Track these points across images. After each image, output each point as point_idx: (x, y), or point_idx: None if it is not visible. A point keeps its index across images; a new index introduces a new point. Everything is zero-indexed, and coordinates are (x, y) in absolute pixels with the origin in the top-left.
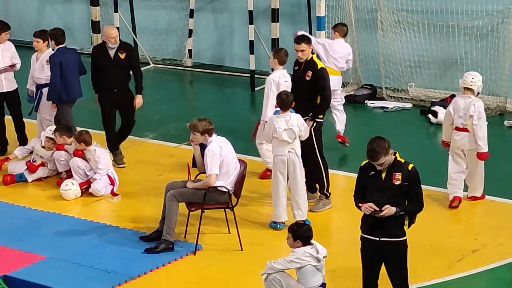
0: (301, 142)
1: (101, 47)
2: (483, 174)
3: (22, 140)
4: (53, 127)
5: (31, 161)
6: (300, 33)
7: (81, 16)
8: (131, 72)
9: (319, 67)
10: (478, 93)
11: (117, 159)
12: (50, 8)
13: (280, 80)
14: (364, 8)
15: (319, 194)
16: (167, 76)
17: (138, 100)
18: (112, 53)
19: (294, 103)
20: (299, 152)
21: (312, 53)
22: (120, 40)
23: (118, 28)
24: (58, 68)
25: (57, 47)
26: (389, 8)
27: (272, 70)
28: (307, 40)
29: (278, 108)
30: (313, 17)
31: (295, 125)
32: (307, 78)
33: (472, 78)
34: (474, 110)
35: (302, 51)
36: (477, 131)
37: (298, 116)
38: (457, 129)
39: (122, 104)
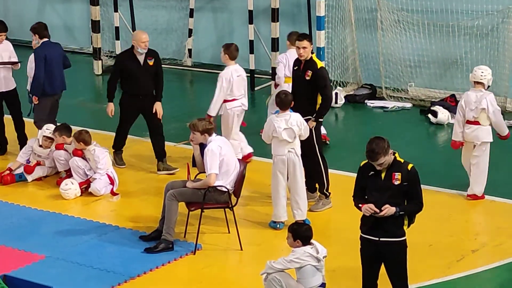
0: (302, 141)
1: (130, 52)
2: (487, 170)
3: (22, 139)
4: (51, 125)
5: (26, 162)
6: None
7: (81, 16)
8: None
9: (318, 66)
10: (489, 86)
11: (118, 159)
12: (50, 8)
13: (232, 76)
14: (364, 8)
15: (318, 193)
16: (167, 75)
17: (159, 108)
18: (141, 59)
19: (293, 102)
20: (299, 151)
21: (312, 52)
22: (149, 48)
23: (117, 27)
24: (42, 61)
25: (42, 41)
26: (389, 8)
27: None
28: (309, 38)
29: (278, 108)
30: (313, 16)
31: (295, 124)
32: (307, 78)
33: (482, 72)
34: (487, 103)
35: (304, 48)
36: (494, 118)
37: (298, 115)
38: (468, 122)
39: (148, 111)
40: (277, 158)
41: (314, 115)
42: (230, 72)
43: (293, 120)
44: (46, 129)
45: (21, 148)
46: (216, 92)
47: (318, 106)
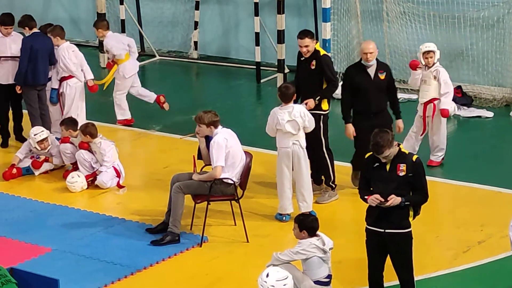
0: (308, 134)
1: (358, 66)
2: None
3: (18, 130)
4: (37, 129)
5: (35, 157)
6: None
7: (86, 9)
8: None
9: (321, 54)
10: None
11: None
12: (56, 1)
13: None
14: (370, 0)
15: (324, 185)
16: (173, 68)
17: (400, 124)
18: (371, 72)
19: (301, 94)
20: (303, 144)
21: (316, 41)
22: (377, 59)
23: (123, 20)
24: (28, 52)
25: (31, 31)
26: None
27: None
28: (311, 35)
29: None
30: (318, 8)
31: (298, 116)
32: (312, 67)
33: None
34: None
35: (306, 46)
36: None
37: (301, 106)
38: None
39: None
40: (282, 150)
41: (318, 96)
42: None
43: (296, 112)
44: (34, 135)
45: (17, 139)
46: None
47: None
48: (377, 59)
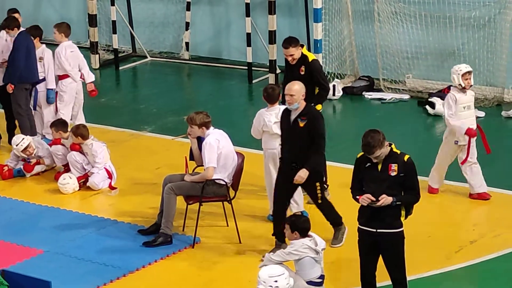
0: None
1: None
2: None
3: (10, 129)
4: (17, 139)
5: (27, 160)
6: None
7: (77, 10)
8: None
9: (310, 59)
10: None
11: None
12: (47, 2)
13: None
14: (361, 0)
15: None
16: (164, 69)
17: (302, 174)
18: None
19: (280, 96)
20: None
21: (302, 46)
22: (307, 106)
23: (114, 21)
24: (24, 50)
25: (19, 31)
26: (386, 0)
27: None
28: (295, 43)
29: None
30: (310, 9)
31: None
32: (302, 73)
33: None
34: None
35: (291, 55)
36: None
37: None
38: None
39: None
40: (268, 152)
41: (312, 104)
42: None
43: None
44: (16, 145)
45: (9, 139)
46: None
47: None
48: (307, 106)
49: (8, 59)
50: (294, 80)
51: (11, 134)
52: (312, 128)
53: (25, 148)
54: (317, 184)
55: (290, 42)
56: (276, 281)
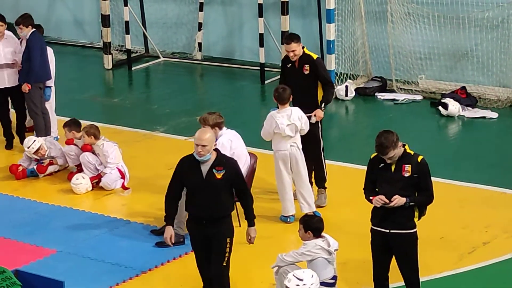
0: (308, 135)
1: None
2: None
3: (20, 130)
4: (29, 141)
5: (39, 162)
6: None
7: (91, 10)
8: None
9: (314, 57)
10: None
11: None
12: (60, 2)
13: None
14: (374, 0)
15: (317, 188)
16: (177, 69)
17: (252, 233)
18: (205, 170)
19: (292, 98)
20: (300, 145)
21: (302, 47)
22: (218, 154)
23: (127, 22)
24: (39, 50)
25: (32, 30)
26: (399, 0)
27: None
28: (297, 39)
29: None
30: (323, 9)
31: (297, 119)
32: (306, 72)
33: None
34: None
35: (293, 51)
36: None
37: (297, 109)
38: None
39: None
40: (279, 153)
41: (323, 103)
42: None
43: (294, 115)
44: (28, 148)
45: (21, 140)
46: None
47: (319, 98)
48: (218, 154)
49: (23, 59)
50: (298, 81)
51: (22, 135)
52: (236, 180)
53: (37, 150)
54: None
55: (292, 37)
56: (297, 285)
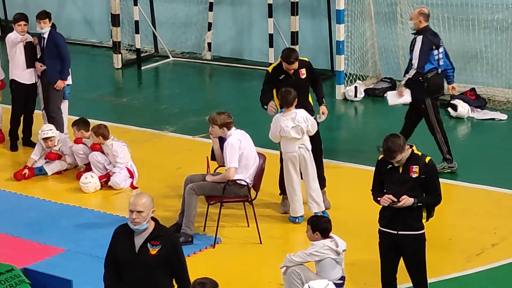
0: (312, 137)
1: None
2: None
3: (26, 132)
4: (46, 127)
5: (47, 162)
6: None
7: (100, 9)
8: None
9: (307, 60)
10: None
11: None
12: (70, 1)
13: None
14: (384, 1)
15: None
16: (186, 69)
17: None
18: (139, 242)
19: (296, 100)
20: (309, 146)
21: None
22: (155, 224)
23: (137, 21)
24: (66, 46)
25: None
26: (408, 1)
27: None
28: (297, 55)
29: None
30: (332, 10)
31: (302, 121)
32: (303, 77)
33: None
34: None
35: (294, 68)
36: None
37: (303, 111)
38: None
39: None
40: (288, 155)
41: (323, 99)
42: None
43: (299, 117)
44: (42, 131)
45: (24, 141)
46: None
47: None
48: (156, 225)
49: (45, 56)
50: (294, 86)
51: (28, 136)
52: (174, 259)
53: (47, 138)
54: None
55: (296, 57)
56: None
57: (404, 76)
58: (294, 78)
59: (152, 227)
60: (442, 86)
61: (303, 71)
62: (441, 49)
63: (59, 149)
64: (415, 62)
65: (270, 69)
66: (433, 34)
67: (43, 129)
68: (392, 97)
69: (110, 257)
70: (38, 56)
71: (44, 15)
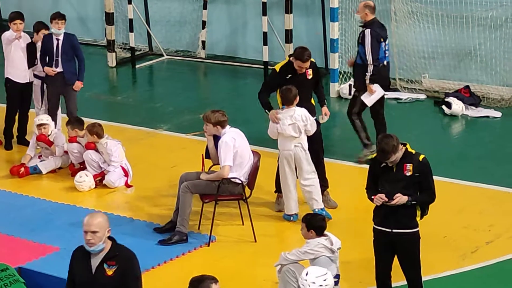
0: (312, 137)
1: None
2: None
3: (21, 131)
4: (43, 116)
5: (42, 160)
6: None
7: (94, 7)
8: None
9: (313, 61)
10: None
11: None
12: (64, 0)
13: None
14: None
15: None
16: (181, 67)
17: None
18: (95, 264)
19: (297, 99)
20: (306, 145)
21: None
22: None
23: (131, 20)
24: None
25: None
26: None
27: None
28: (310, 53)
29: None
30: (326, 8)
31: (300, 119)
32: (309, 77)
33: None
34: None
35: (305, 66)
36: None
37: (303, 109)
38: None
39: None
40: (284, 153)
41: (325, 100)
42: None
43: (297, 115)
44: (37, 118)
45: (18, 139)
46: None
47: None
48: (113, 245)
49: (62, 58)
50: (301, 86)
51: (22, 135)
52: (129, 280)
53: (41, 125)
54: None
55: (309, 54)
56: (325, 280)
57: (366, 75)
58: (301, 78)
59: (108, 247)
60: (388, 78)
61: (310, 71)
62: (387, 41)
63: (52, 139)
64: (369, 58)
65: (277, 67)
66: (380, 27)
67: (40, 117)
68: (367, 98)
69: (69, 280)
70: (38, 56)
71: (61, 16)
